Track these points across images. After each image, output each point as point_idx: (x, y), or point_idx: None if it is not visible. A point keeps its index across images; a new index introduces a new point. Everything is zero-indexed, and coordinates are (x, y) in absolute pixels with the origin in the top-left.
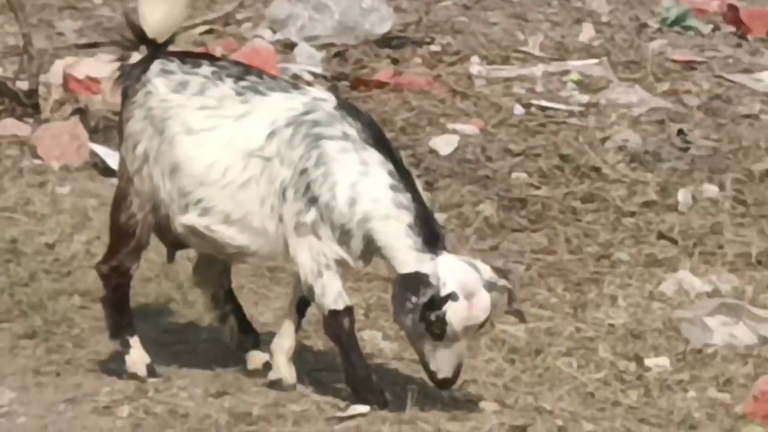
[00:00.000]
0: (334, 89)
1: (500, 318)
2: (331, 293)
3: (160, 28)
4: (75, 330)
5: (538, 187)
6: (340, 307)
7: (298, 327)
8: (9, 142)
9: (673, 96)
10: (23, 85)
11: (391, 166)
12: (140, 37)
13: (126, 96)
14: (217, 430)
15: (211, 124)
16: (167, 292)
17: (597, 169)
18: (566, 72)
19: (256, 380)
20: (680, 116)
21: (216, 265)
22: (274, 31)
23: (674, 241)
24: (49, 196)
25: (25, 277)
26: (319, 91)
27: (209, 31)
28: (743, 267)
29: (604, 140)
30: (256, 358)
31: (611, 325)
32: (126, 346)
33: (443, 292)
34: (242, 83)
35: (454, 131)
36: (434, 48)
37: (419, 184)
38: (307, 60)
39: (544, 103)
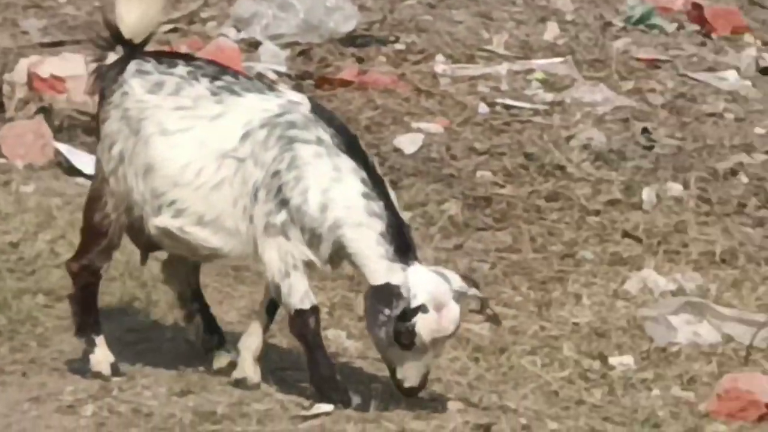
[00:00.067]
0: (299, 89)
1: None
2: (298, 293)
3: (136, 28)
4: (39, 329)
5: (502, 186)
6: (307, 306)
7: (266, 328)
8: None
9: (637, 95)
10: None
11: (364, 174)
12: (117, 38)
13: (103, 97)
14: (182, 429)
15: (187, 124)
16: (132, 291)
17: (562, 168)
18: (531, 71)
19: (221, 379)
20: (645, 115)
21: (185, 264)
22: (239, 30)
23: (639, 240)
24: (14, 195)
25: None
26: (294, 94)
27: (174, 30)
28: (707, 265)
29: (568, 139)
30: (221, 358)
31: (575, 324)
32: (91, 344)
33: (413, 304)
34: (218, 83)
35: (419, 130)
36: (399, 46)
37: (392, 193)
38: (271, 59)
39: (508, 101)
